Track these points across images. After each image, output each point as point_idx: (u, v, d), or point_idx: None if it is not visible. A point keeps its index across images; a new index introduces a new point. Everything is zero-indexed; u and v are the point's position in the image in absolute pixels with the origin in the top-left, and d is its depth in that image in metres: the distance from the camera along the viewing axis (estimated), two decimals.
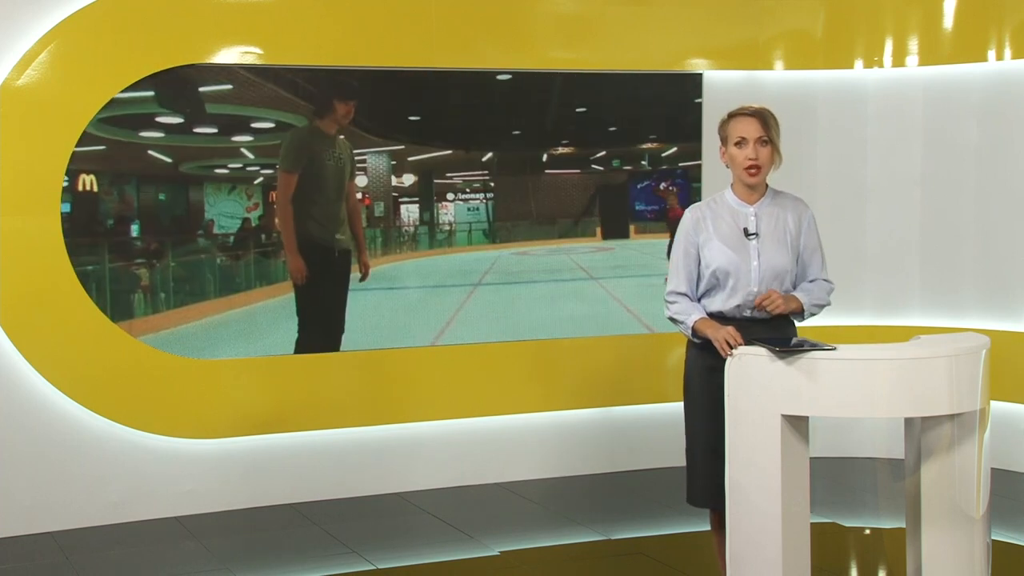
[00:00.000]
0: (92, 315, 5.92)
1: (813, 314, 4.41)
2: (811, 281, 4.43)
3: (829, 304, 4.45)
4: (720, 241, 4.35)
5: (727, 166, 4.39)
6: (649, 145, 6.96)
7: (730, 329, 4.19)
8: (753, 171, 4.30)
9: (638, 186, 6.92)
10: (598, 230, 6.89)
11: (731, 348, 4.14)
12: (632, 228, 6.93)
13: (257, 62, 6.19)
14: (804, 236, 4.41)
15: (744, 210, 4.39)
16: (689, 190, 6.97)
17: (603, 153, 6.87)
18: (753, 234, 4.34)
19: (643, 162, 6.94)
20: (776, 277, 4.34)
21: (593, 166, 6.85)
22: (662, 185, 6.87)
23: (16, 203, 5.78)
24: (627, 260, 6.91)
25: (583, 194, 6.85)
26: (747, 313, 4.35)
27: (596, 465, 6.94)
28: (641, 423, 7.00)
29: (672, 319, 4.43)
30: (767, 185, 4.43)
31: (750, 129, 4.29)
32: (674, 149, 6.97)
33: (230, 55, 6.14)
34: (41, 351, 5.85)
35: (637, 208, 6.94)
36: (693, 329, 4.34)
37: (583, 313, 6.83)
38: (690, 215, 4.44)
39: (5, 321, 5.79)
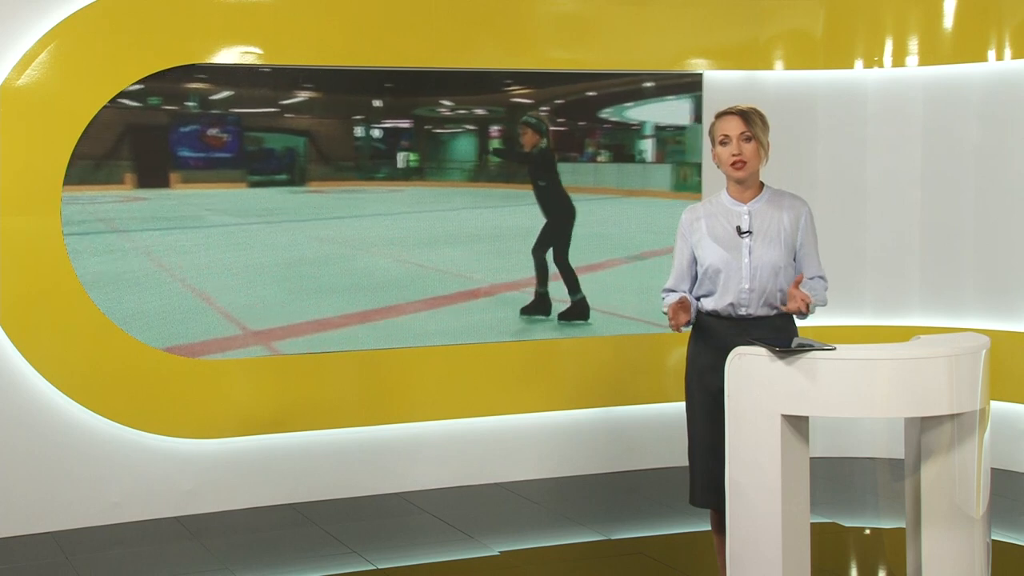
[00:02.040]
0: (92, 315, 5.92)
1: (811, 313, 4.43)
2: (810, 279, 4.45)
3: (825, 304, 4.47)
4: (712, 240, 4.40)
5: (718, 166, 4.44)
6: (197, 85, 6.11)
7: (673, 304, 4.32)
8: (738, 166, 4.35)
9: (181, 129, 6.07)
10: (127, 176, 6.01)
11: (670, 317, 4.29)
12: (173, 176, 6.09)
13: (257, 62, 6.20)
14: (801, 233, 4.43)
15: (738, 209, 4.42)
16: (242, 137, 6.22)
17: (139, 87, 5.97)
18: (746, 232, 4.37)
19: (188, 103, 6.08)
20: (768, 275, 4.36)
21: (124, 101, 5.94)
22: (210, 131, 6.07)
23: (16, 203, 5.78)
24: (167, 211, 6.08)
25: (109, 134, 5.93)
26: (742, 311, 4.37)
27: (596, 465, 6.94)
28: (641, 423, 7.00)
29: (665, 314, 4.50)
30: (763, 184, 4.46)
31: (732, 126, 4.36)
32: (228, 93, 6.17)
33: (230, 55, 6.14)
34: (41, 351, 5.85)
35: (180, 154, 6.08)
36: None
37: (103, 270, 5.95)
38: (686, 216, 4.52)
39: (5, 321, 5.79)
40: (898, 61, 7.12)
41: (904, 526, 4.38)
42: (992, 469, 4.28)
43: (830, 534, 5.79)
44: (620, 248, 7.01)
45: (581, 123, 6.88)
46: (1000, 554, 4.88)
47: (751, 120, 4.36)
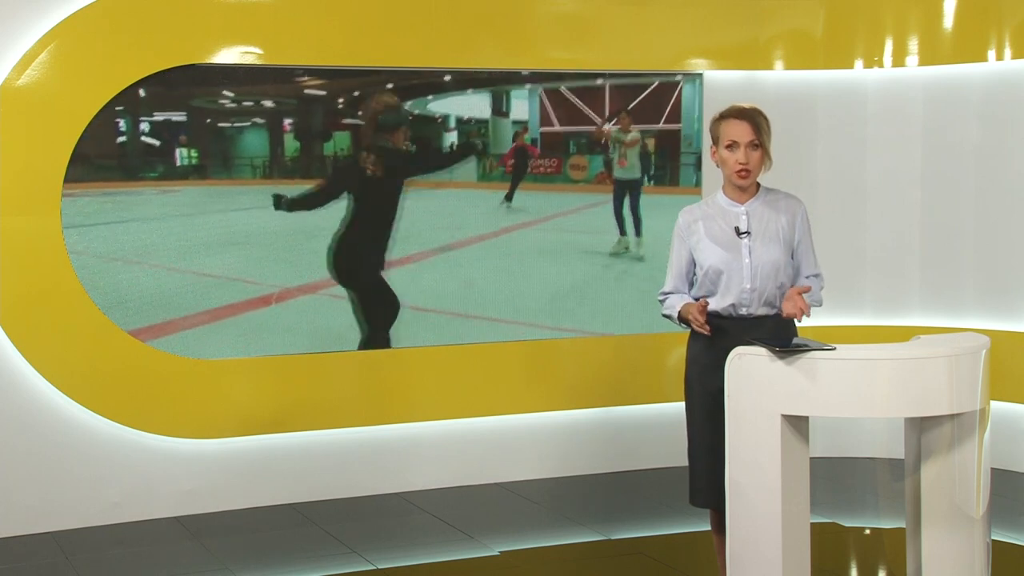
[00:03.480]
0: (92, 315, 5.92)
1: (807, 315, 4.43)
2: (807, 278, 4.46)
3: (821, 303, 4.47)
4: (711, 241, 4.40)
5: (717, 165, 4.43)
6: None
7: (692, 306, 4.31)
8: (743, 174, 4.34)
9: None
10: None
11: (700, 323, 4.27)
12: None
13: (257, 62, 6.20)
14: (798, 231, 4.44)
15: (735, 209, 4.42)
16: None
17: None
18: (745, 232, 4.37)
19: None
20: (768, 274, 4.36)
21: None
22: None
23: (16, 203, 5.78)
24: None
25: None
26: (742, 311, 4.37)
27: (596, 465, 6.94)
28: (641, 423, 7.00)
29: (665, 316, 4.51)
30: (758, 184, 4.46)
31: (741, 133, 4.32)
32: None
33: (230, 55, 6.14)
34: (41, 351, 5.85)
35: None
36: (680, 318, 4.42)
37: None
38: (683, 218, 4.51)
39: (5, 321, 5.79)
40: (898, 61, 7.12)
41: (904, 526, 4.38)
42: (992, 469, 4.28)
43: (830, 534, 5.79)
44: (430, 240, 6.71)
45: (382, 117, 6.65)
46: (1000, 554, 4.88)
47: (760, 127, 4.31)
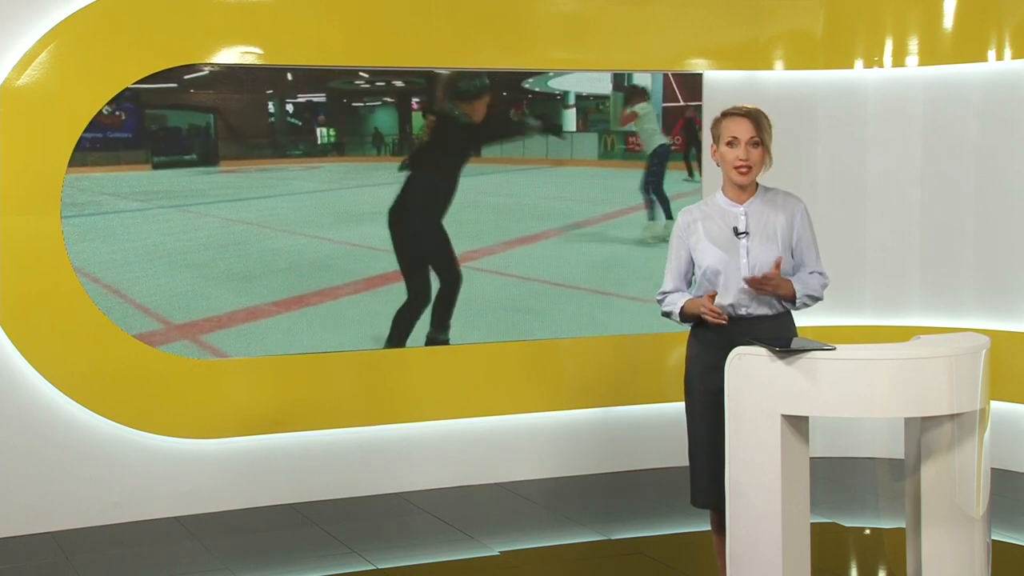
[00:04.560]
0: (92, 315, 5.92)
1: (806, 305, 4.42)
2: (809, 274, 4.46)
3: (822, 299, 4.46)
4: (710, 241, 4.40)
5: (718, 164, 4.43)
6: None
7: (703, 300, 4.29)
8: (743, 170, 4.34)
9: None
10: None
11: (716, 312, 4.26)
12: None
13: (257, 62, 6.20)
14: (797, 230, 4.44)
15: (734, 210, 4.42)
16: (141, 115, 6.01)
17: None
18: (743, 233, 4.37)
19: None
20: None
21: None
22: (104, 110, 5.75)
23: (16, 203, 5.78)
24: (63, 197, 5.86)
25: None
26: (741, 311, 4.37)
27: (596, 465, 6.94)
28: (641, 423, 7.00)
29: (665, 314, 4.50)
30: (757, 184, 4.46)
31: (742, 130, 4.32)
32: None
33: (230, 55, 6.15)
34: (41, 351, 5.85)
35: None
36: (683, 314, 4.40)
37: None
38: (683, 218, 4.51)
39: (5, 321, 5.79)
40: (898, 61, 7.12)
41: (904, 526, 4.38)
42: (992, 469, 4.28)
43: (830, 534, 5.79)
44: (554, 218, 6.87)
45: (505, 94, 6.74)
46: (1000, 554, 4.89)
47: (761, 125, 4.33)
